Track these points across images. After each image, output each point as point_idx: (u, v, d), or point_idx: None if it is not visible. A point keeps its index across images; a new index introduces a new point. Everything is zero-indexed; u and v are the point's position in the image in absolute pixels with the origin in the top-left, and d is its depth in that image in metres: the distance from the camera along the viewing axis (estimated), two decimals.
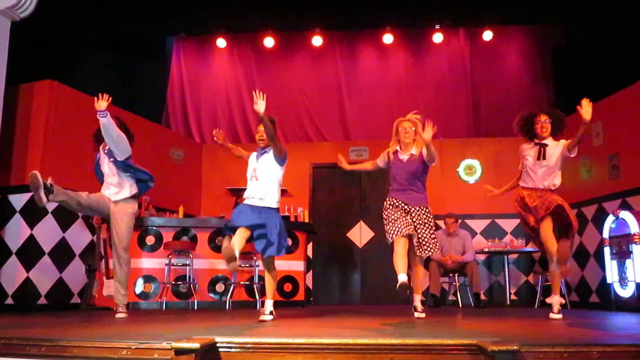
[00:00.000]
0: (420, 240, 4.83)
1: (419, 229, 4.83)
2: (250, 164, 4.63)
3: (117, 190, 5.06)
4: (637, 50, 6.89)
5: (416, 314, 4.84)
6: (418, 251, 4.83)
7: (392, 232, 4.76)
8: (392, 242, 4.76)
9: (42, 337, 2.78)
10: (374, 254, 8.86)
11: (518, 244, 8.14)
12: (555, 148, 4.83)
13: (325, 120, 9.80)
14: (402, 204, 4.87)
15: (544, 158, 4.81)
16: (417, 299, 4.95)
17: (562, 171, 4.89)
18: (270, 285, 4.55)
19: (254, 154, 4.66)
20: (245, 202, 4.55)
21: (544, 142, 4.87)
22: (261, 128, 4.48)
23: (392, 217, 4.83)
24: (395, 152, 5.01)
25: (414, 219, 4.85)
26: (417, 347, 2.52)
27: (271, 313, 4.38)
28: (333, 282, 9.15)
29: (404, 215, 4.82)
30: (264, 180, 4.51)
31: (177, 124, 9.93)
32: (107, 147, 5.05)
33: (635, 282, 6.08)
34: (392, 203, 4.92)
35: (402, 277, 4.49)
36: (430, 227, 4.89)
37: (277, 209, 4.56)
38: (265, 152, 4.55)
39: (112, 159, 5.03)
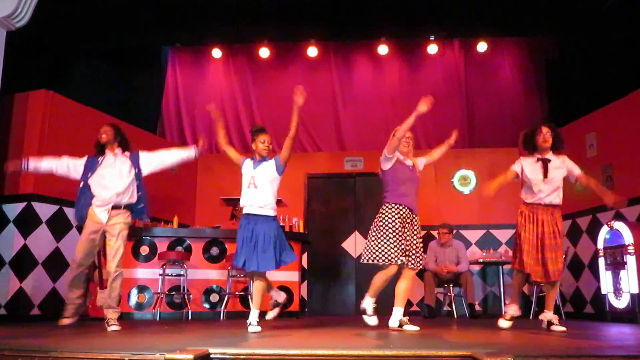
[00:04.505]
0: (414, 253, 4.65)
1: (413, 242, 4.65)
2: (246, 172, 4.64)
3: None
4: (630, 62, 6.95)
5: (407, 328, 4.56)
6: (410, 264, 4.63)
7: (389, 254, 4.56)
8: (385, 264, 4.60)
9: (34, 347, 2.76)
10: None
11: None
12: (560, 165, 4.67)
13: (320, 131, 9.82)
14: (408, 213, 4.65)
15: (546, 174, 4.61)
16: (399, 312, 4.66)
17: None
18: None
19: (248, 161, 4.67)
20: (244, 211, 4.57)
21: (546, 157, 4.67)
22: (267, 138, 4.68)
23: (394, 234, 4.58)
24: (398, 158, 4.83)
25: (409, 234, 4.64)
26: (412, 358, 2.52)
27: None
28: (328, 292, 9.12)
29: (403, 235, 4.60)
30: (263, 189, 4.54)
31: (172, 133, 9.92)
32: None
33: (629, 292, 6.10)
34: (398, 212, 4.63)
35: (368, 303, 4.73)
36: (420, 238, 4.75)
37: (274, 217, 4.59)
38: (265, 160, 4.62)
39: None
